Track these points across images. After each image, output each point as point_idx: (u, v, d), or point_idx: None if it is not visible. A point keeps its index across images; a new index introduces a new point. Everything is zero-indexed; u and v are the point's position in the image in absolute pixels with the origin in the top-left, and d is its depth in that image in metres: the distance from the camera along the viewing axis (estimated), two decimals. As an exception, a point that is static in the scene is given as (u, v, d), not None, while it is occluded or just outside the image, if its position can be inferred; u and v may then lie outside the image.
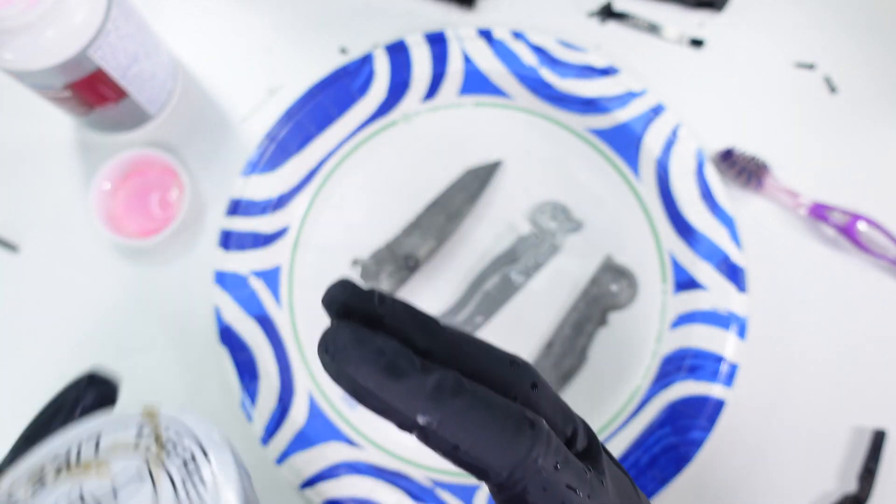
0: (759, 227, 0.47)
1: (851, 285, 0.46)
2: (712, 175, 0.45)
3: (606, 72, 0.46)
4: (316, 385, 0.43)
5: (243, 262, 0.44)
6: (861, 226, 0.46)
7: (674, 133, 0.45)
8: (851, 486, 0.43)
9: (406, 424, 0.17)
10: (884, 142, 0.48)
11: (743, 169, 0.46)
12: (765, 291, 0.45)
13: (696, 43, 0.49)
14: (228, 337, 0.43)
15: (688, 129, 0.46)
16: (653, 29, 0.49)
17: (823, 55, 0.49)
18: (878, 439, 0.43)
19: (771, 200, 0.47)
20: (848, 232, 0.46)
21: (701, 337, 0.43)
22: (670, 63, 0.49)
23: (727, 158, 0.46)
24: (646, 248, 0.46)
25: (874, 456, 0.43)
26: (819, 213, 0.46)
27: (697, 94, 0.49)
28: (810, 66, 0.49)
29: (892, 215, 0.47)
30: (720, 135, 0.48)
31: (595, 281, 0.45)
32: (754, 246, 0.46)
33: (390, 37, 0.48)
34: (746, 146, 0.47)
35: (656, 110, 0.46)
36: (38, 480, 0.18)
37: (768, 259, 0.46)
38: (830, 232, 0.47)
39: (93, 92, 0.40)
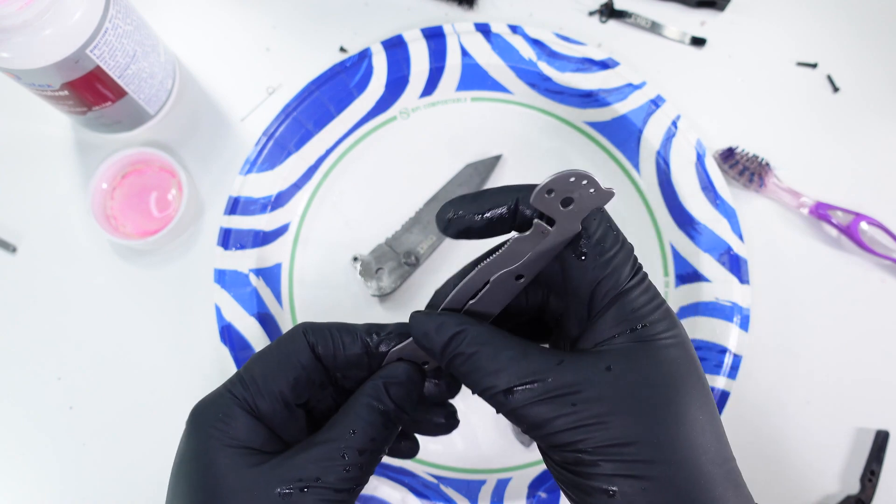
0: (762, 227, 0.46)
1: (854, 285, 0.46)
2: (713, 167, 0.45)
3: (605, 64, 0.46)
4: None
5: (243, 261, 0.43)
6: (863, 225, 0.45)
7: (674, 125, 0.45)
8: (854, 488, 0.43)
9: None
10: (886, 141, 0.48)
11: (745, 168, 0.46)
12: (767, 292, 0.45)
13: (698, 42, 0.49)
14: (229, 335, 0.42)
15: (688, 121, 0.45)
16: (654, 27, 0.49)
17: (826, 54, 0.49)
18: (882, 440, 0.43)
19: (773, 200, 0.47)
20: (850, 232, 0.45)
21: (704, 328, 0.43)
22: (671, 62, 0.49)
23: (729, 158, 0.46)
24: (647, 241, 0.45)
25: (877, 457, 0.43)
26: (821, 212, 0.46)
27: (699, 93, 0.48)
28: (812, 65, 0.49)
29: (894, 215, 0.46)
30: (722, 134, 0.48)
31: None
32: (757, 246, 0.46)
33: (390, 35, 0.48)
34: (748, 146, 0.47)
35: (656, 102, 0.45)
36: None
37: (771, 259, 0.46)
38: (833, 232, 0.47)
39: (91, 91, 0.40)
